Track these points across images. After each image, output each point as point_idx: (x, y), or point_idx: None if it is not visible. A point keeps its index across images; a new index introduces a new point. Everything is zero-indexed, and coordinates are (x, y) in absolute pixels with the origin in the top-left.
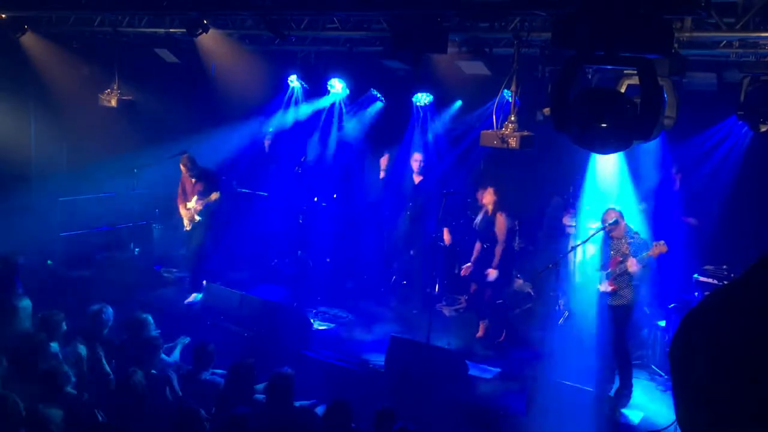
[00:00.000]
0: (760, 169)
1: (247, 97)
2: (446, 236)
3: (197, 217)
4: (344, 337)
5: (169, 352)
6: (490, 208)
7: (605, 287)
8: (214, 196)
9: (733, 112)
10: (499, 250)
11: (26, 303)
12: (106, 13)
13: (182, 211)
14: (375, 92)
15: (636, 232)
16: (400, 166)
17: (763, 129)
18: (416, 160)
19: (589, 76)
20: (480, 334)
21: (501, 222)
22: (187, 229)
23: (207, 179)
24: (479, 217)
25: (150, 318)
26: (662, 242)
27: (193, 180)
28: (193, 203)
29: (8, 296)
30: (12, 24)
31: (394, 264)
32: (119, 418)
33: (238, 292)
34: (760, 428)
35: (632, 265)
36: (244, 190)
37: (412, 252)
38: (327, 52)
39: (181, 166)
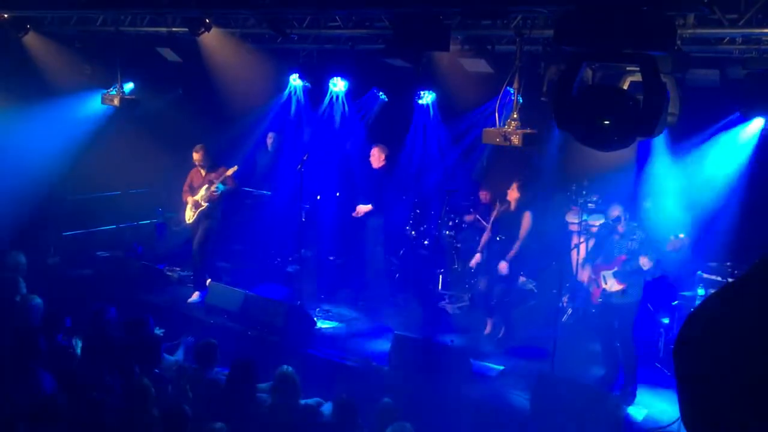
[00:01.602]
0: (763, 165)
1: (249, 95)
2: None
3: (203, 204)
4: (348, 335)
5: (172, 351)
6: (513, 204)
7: (613, 285)
8: (233, 169)
9: (736, 109)
10: (517, 245)
11: (38, 301)
12: (108, 13)
13: (188, 201)
14: (377, 91)
15: (639, 228)
16: (402, 164)
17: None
18: (373, 155)
19: (592, 73)
20: (488, 331)
21: (527, 220)
22: (190, 221)
23: (218, 169)
24: (496, 211)
25: (150, 319)
26: (682, 234)
27: (204, 171)
28: (203, 192)
29: (11, 296)
30: (14, 24)
31: (396, 261)
32: (124, 419)
33: (241, 290)
34: (765, 425)
35: (646, 263)
36: (246, 189)
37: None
38: (329, 51)
39: (194, 155)
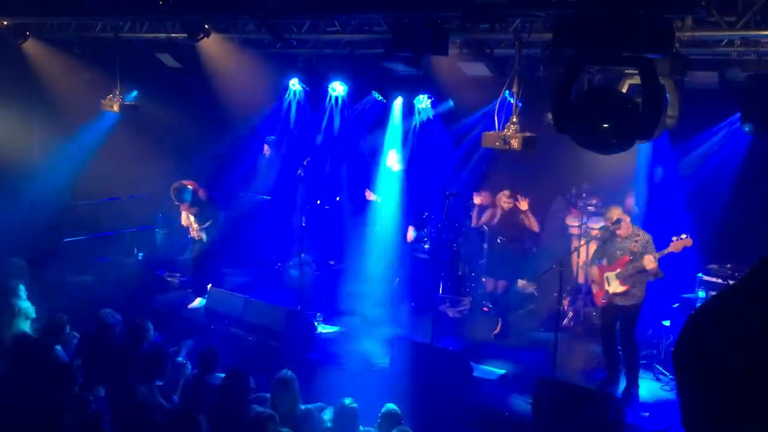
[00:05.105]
0: (762, 167)
1: (248, 100)
2: (409, 234)
3: (204, 237)
4: (348, 339)
5: (173, 356)
6: (507, 207)
7: (616, 287)
8: (208, 224)
9: (735, 111)
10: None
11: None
12: (107, 19)
13: (184, 221)
14: (376, 95)
15: (641, 229)
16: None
17: None
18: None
19: (590, 76)
20: (497, 331)
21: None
22: (193, 236)
23: (200, 206)
24: (489, 214)
25: (150, 324)
26: (684, 235)
27: (187, 204)
28: (193, 221)
29: (10, 300)
30: (14, 30)
31: (396, 265)
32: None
33: (241, 296)
34: (764, 426)
35: (650, 262)
36: (248, 194)
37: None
38: (328, 56)
39: (171, 194)
